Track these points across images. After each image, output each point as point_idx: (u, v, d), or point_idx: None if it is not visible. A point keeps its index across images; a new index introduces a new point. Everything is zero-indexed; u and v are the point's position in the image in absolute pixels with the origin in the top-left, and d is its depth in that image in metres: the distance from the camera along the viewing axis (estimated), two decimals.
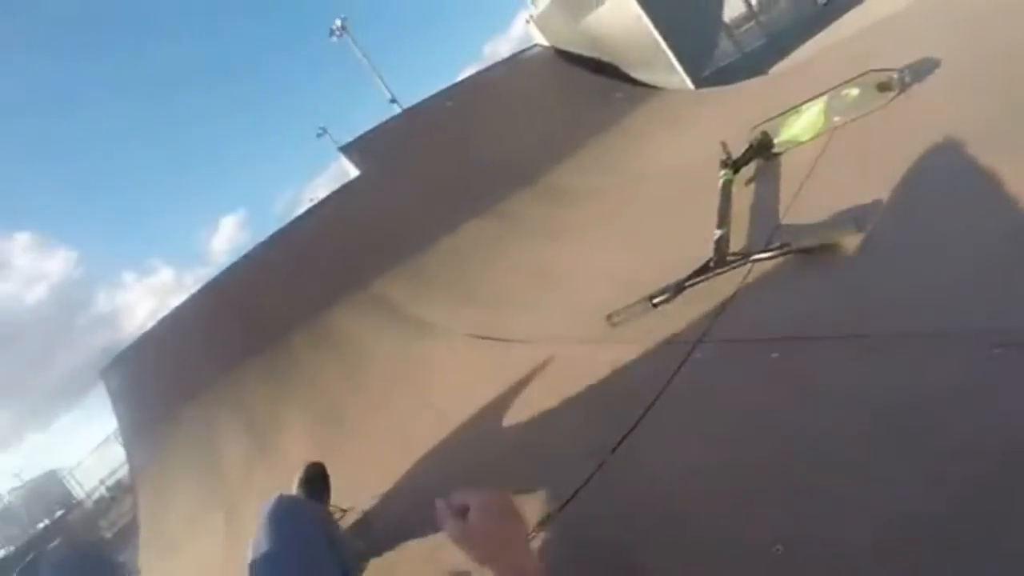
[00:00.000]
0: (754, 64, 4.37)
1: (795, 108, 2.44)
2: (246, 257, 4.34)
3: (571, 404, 1.65)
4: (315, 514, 1.41)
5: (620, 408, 1.45)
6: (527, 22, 7.00)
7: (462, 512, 0.78)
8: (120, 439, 3.66)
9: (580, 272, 2.54)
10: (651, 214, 2.65)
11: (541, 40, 6.42)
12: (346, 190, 4.60)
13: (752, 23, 5.43)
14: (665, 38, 4.53)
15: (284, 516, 1.26)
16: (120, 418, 3.62)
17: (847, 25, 4.18)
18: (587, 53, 5.55)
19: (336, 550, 1.29)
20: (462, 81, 6.04)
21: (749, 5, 5.42)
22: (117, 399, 3.73)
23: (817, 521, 0.89)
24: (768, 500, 0.98)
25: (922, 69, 2.23)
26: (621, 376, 1.62)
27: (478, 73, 6.17)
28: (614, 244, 2.60)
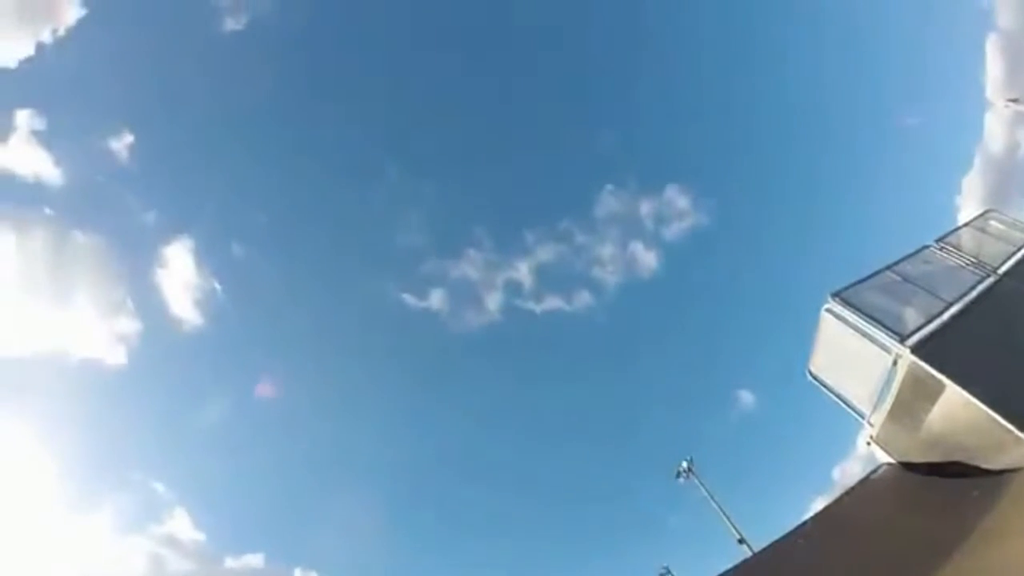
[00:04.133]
0: None
1: None
2: None
3: None
4: None
5: None
6: (868, 444, 7.01)
7: None
8: None
9: None
10: None
11: (886, 458, 6.26)
12: None
13: None
14: (1004, 415, 4.20)
15: None
16: None
17: None
18: (934, 459, 5.21)
19: None
20: (814, 515, 6.03)
21: None
22: None
23: None
24: None
25: None
26: None
27: (828, 505, 6.12)
28: None
